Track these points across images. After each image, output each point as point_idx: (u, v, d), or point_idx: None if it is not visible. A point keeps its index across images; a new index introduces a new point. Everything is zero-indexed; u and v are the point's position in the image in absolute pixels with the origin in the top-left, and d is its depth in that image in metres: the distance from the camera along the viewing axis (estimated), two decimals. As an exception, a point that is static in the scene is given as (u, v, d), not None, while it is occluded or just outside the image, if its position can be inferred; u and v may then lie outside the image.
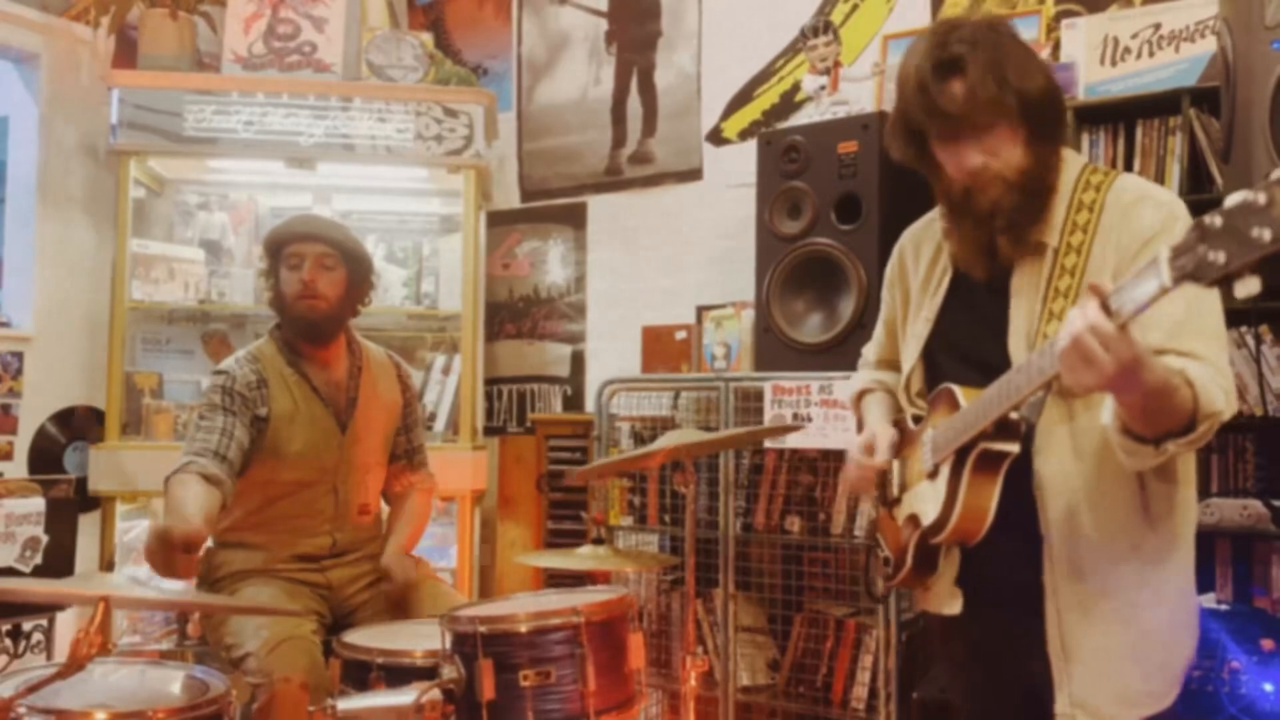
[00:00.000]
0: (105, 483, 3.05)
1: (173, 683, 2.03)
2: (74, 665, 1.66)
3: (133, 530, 3.19)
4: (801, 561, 2.79)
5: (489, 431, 3.69)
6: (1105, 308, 1.24)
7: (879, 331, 1.95)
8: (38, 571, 2.80)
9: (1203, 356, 1.41)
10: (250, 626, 2.22)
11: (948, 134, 1.58)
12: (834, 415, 2.58)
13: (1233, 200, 1.10)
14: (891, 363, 1.89)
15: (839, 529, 2.71)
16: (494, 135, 3.51)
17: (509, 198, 3.81)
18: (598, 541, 2.50)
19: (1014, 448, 1.51)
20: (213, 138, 3.15)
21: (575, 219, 3.70)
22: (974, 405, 1.53)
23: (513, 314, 3.80)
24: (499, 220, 3.80)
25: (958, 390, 1.58)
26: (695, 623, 2.85)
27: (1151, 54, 2.69)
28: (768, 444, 2.70)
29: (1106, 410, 1.43)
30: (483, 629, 1.81)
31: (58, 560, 2.85)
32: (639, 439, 3.03)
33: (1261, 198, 1.07)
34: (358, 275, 2.42)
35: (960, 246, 1.67)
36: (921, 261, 1.80)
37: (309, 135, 3.17)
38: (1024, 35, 2.80)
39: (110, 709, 1.75)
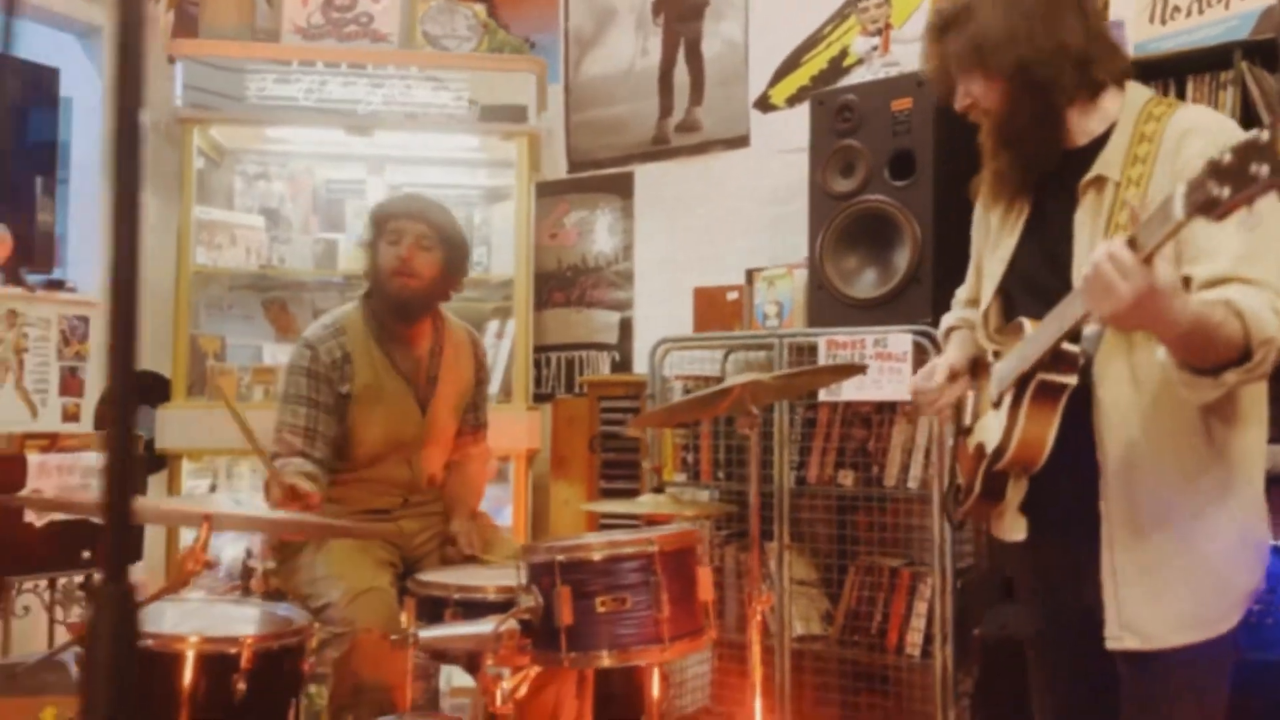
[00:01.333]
0: (172, 442, 3.14)
1: (255, 616, 2.12)
2: (179, 582, 1.74)
3: (199, 489, 3.28)
4: (854, 513, 2.84)
5: (538, 398, 3.76)
6: (1132, 241, 1.30)
7: (969, 271, 1.99)
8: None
9: (1258, 281, 1.44)
10: (330, 577, 2.31)
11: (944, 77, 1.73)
12: (889, 368, 2.63)
13: (1242, 137, 1.15)
14: (977, 301, 1.95)
15: (892, 480, 2.75)
16: (543, 106, 3.57)
17: (556, 169, 3.88)
18: (657, 490, 2.56)
19: (1071, 379, 1.56)
20: (274, 106, 3.23)
21: (622, 188, 3.75)
22: (1033, 336, 1.58)
23: (561, 283, 3.87)
24: (547, 191, 3.86)
25: (1027, 324, 1.63)
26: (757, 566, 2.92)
27: (1201, 11, 2.71)
28: (822, 397, 2.75)
29: (1163, 346, 1.48)
30: (560, 557, 1.88)
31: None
32: (690, 395, 3.09)
33: (1265, 135, 1.13)
34: (454, 260, 2.48)
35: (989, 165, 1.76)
36: (999, 205, 1.85)
37: (367, 103, 3.25)
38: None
39: (202, 634, 1.83)
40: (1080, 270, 1.62)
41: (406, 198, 2.63)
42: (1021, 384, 1.60)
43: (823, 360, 2.73)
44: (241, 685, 1.77)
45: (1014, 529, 1.73)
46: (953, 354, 1.88)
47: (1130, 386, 1.57)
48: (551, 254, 3.88)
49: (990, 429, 1.70)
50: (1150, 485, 1.56)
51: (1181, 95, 2.64)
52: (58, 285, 3.25)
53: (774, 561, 2.80)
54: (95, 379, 3.35)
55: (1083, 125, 1.66)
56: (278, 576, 2.60)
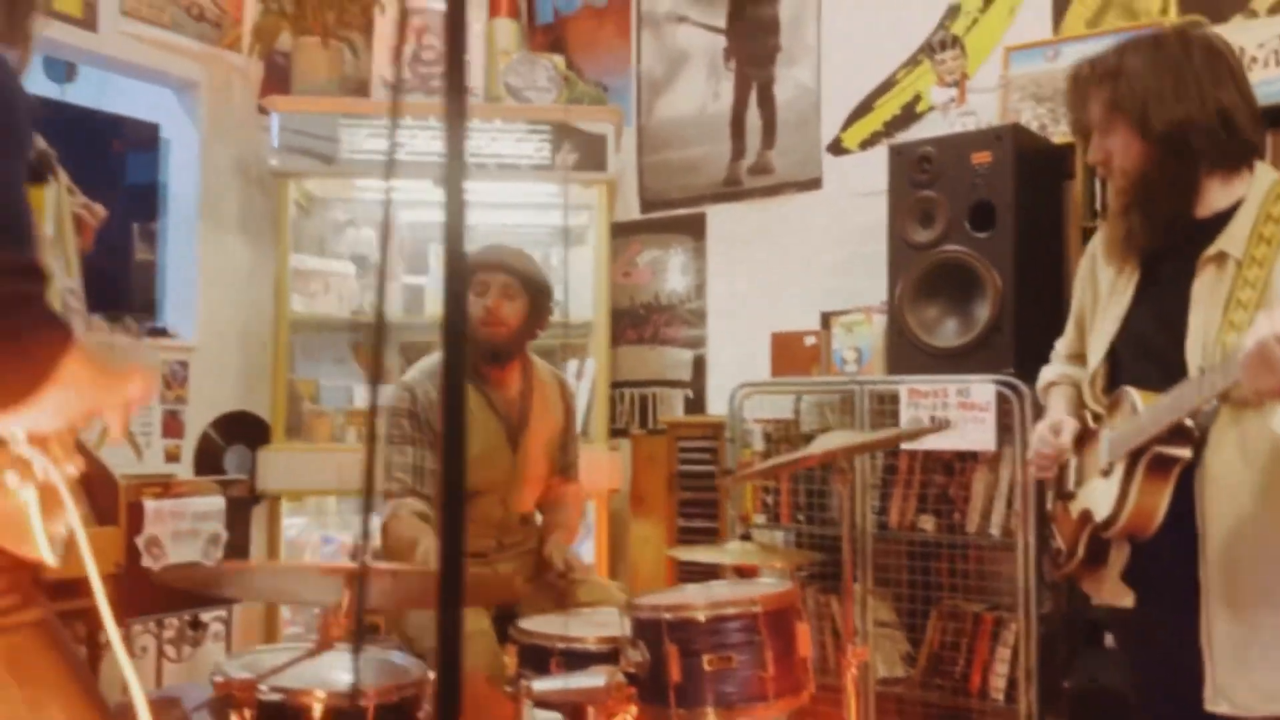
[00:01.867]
0: (272, 483, 3.28)
1: (372, 665, 2.22)
2: (325, 645, 1.85)
3: (294, 528, 3.41)
4: (935, 559, 2.89)
5: (613, 433, 3.85)
6: None
7: (1069, 328, 2.02)
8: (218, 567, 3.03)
9: None
10: (432, 621, 2.42)
11: (1082, 128, 1.77)
12: (973, 418, 2.68)
13: None
14: (1079, 356, 1.97)
15: (974, 526, 2.80)
16: (618, 150, 3.67)
17: (629, 209, 3.97)
18: (744, 537, 2.64)
19: (1187, 453, 1.61)
20: (365, 159, 3.35)
21: (695, 229, 3.84)
22: (1150, 410, 1.63)
23: (634, 320, 3.96)
24: (620, 231, 3.95)
25: (1135, 394, 1.68)
26: (835, 617, 2.97)
27: (1279, 64, 2.74)
28: (904, 445, 2.81)
29: (1277, 417, 1.52)
30: (667, 616, 1.96)
31: (236, 556, 3.07)
32: (769, 439, 3.17)
33: None
34: (538, 304, 2.58)
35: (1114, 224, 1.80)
36: (1112, 264, 1.89)
37: (453, 155, 3.35)
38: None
39: (328, 688, 1.93)
40: (1197, 342, 1.67)
41: (489, 249, 2.73)
42: (1135, 455, 1.65)
43: (904, 407, 2.79)
44: (370, 734, 1.87)
45: (1119, 595, 1.77)
46: (1072, 419, 1.90)
47: (1240, 460, 1.61)
48: (625, 292, 3.98)
49: (1099, 497, 1.75)
50: (1252, 559, 1.60)
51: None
52: (160, 333, 3.40)
53: (856, 606, 2.86)
54: (195, 421, 3.50)
55: (1211, 197, 1.69)
56: (387, 619, 2.72)
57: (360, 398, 3.52)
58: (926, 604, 2.90)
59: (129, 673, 1.16)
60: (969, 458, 2.81)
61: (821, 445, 2.22)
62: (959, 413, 2.70)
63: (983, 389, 2.68)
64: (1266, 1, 2.87)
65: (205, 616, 3.07)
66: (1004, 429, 2.67)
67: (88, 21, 3.26)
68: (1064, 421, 1.86)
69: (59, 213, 1.41)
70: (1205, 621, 1.63)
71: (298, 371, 3.47)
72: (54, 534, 1.13)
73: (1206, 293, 1.67)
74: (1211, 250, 1.66)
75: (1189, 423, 1.59)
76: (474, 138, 3.38)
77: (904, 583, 2.92)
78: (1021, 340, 2.70)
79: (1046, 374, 2.04)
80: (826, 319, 3.30)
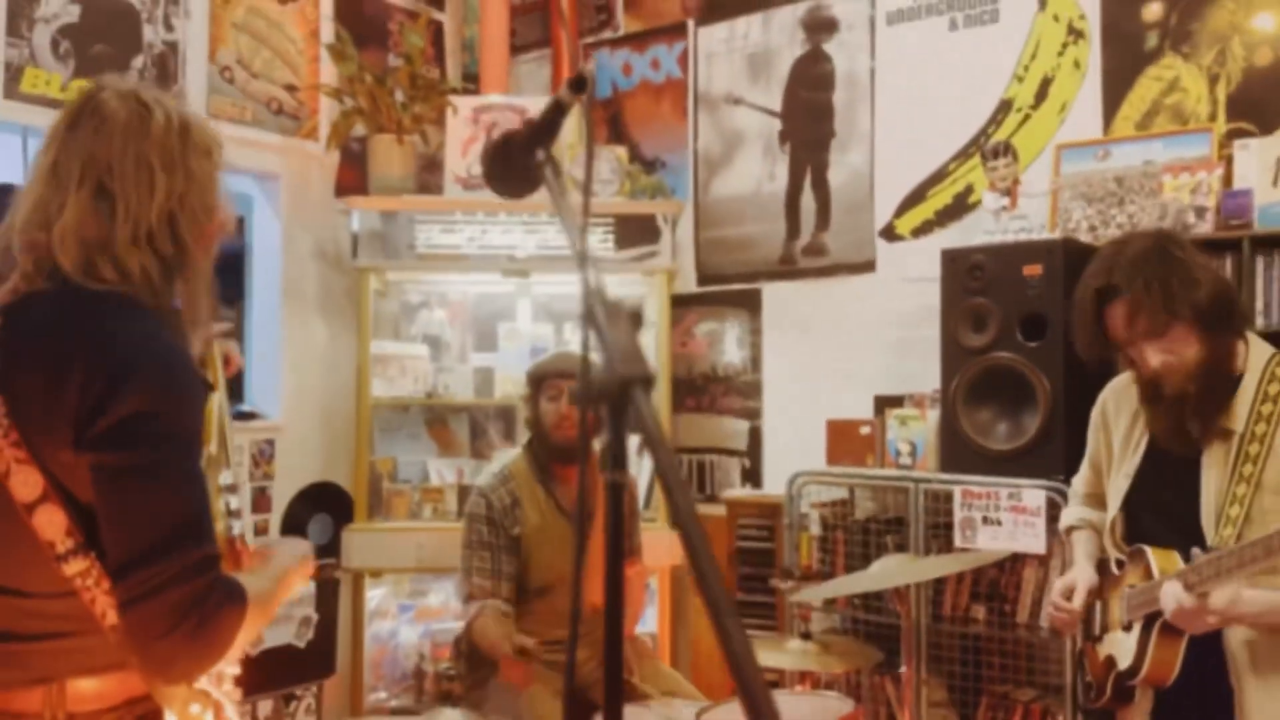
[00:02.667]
0: (356, 560, 3.49)
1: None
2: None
3: (374, 599, 3.63)
4: (986, 648, 3.04)
5: (671, 498, 4.02)
6: (1188, 584, 1.66)
7: (1085, 468, 2.19)
8: (310, 646, 3.25)
9: None
10: (511, 704, 2.65)
11: (1123, 344, 1.87)
12: (1024, 521, 2.82)
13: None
14: (1095, 496, 2.14)
15: (1024, 618, 2.94)
16: (677, 221, 3.83)
17: (686, 281, 4.12)
18: (805, 636, 2.80)
19: None
20: (439, 253, 3.54)
21: (750, 303, 3.98)
22: (1162, 578, 1.79)
23: (691, 389, 4.12)
24: (677, 303, 4.10)
25: (1151, 556, 1.86)
26: (891, 700, 3.13)
27: (1328, 174, 2.83)
28: (958, 543, 2.95)
29: None
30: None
31: (324, 635, 3.29)
32: (825, 525, 3.32)
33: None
34: None
35: (1155, 425, 1.94)
36: (1121, 419, 2.05)
37: (523, 248, 3.54)
38: (1195, 153, 2.98)
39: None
40: (1210, 510, 1.83)
41: (560, 357, 2.95)
42: (1150, 617, 1.82)
43: (958, 507, 2.92)
44: None
45: (1145, 728, 1.94)
46: (1086, 572, 2.06)
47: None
48: (682, 361, 4.14)
49: (1121, 647, 1.92)
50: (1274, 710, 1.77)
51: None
52: (248, 416, 3.62)
53: (909, 689, 3.02)
54: (281, 495, 3.72)
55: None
56: (458, 683, 2.93)
57: (435, 474, 3.72)
58: (978, 690, 3.05)
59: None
60: (1020, 554, 2.94)
61: (881, 579, 2.38)
62: (1009, 515, 2.84)
63: (1034, 494, 2.81)
64: (1314, 111, 2.95)
65: (298, 690, 3.29)
66: (1053, 532, 2.80)
67: (180, 127, 3.46)
68: (1078, 584, 2.02)
69: (220, 422, 1.59)
70: None
71: (376, 450, 3.68)
72: None
73: (1214, 462, 1.84)
74: (1216, 426, 1.83)
75: (1167, 617, 1.77)
76: (542, 231, 3.55)
77: (956, 670, 3.07)
78: (1071, 447, 2.81)
79: (1068, 517, 2.21)
80: (881, 403, 3.44)
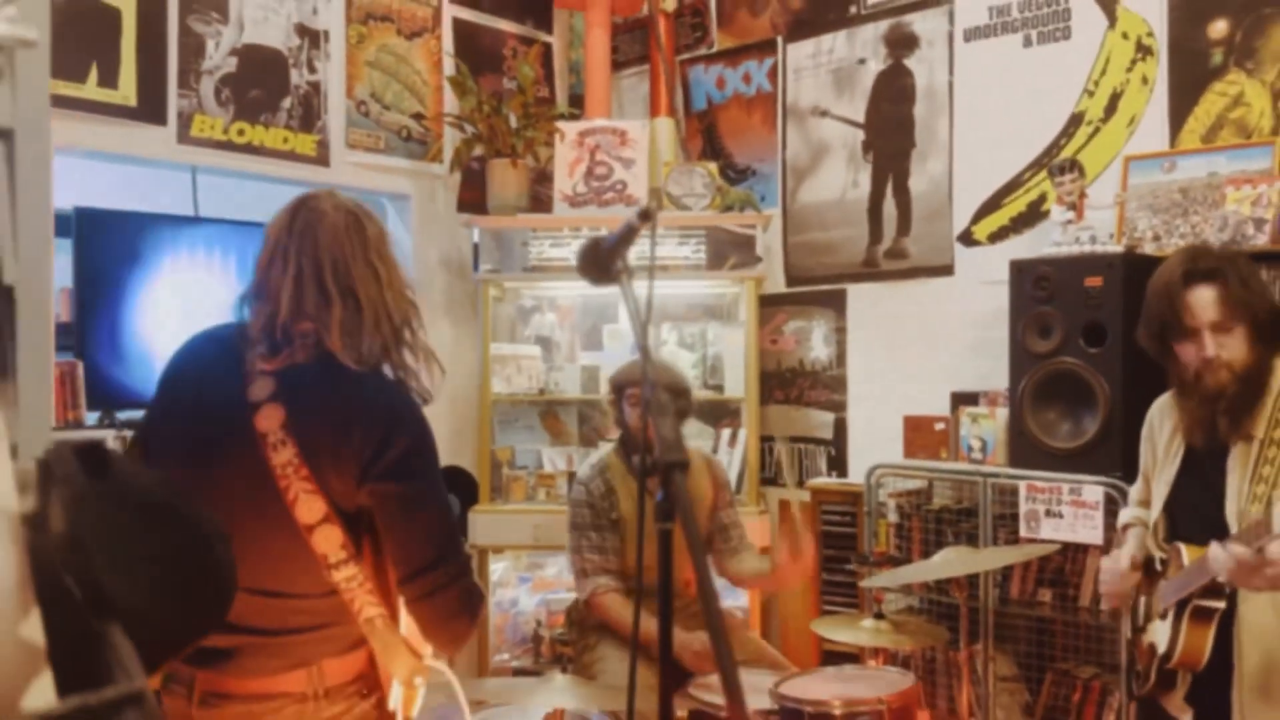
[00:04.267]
0: (481, 538, 3.96)
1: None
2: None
3: (496, 571, 4.10)
4: (1050, 629, 3.30)
5: (764, 482, 4.36)
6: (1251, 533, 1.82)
7: (1140, 479, 2.45)
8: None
9: None
10: (616, 671, 3.05)
11: (1195, 329, 2.09)
12: (1082, 514, 3.07)
13: None
14: (1147, 503, 2.40)
15: (1086, 601, 3.20)
16: (766, 229, 4.15)
17: (776, 282, 4.43)
18: (878, 616, 3.13)
19: (1220, 604, 2.05)
20: (550, 265, 3.94)
21: (836, 303, 4.27)
22: (1191, 567, 2.06)
23: (780, 382, 4.44)
24: (767, 302, 4.42)
25: (1184, 551, 2.12)
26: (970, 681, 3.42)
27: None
28: (1023, 533, 3.22)
29: None
30: (809, 709, 2.49)
31: (455, 602, 3.77)
32: (901, 513, 3.62)
33: None
34: (681, 406, 3.14)
35: (1186, 418, 2.19)
36: (1164, 433, 2.31)
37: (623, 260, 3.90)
38: (1258, 165, 3.15)
39: None
40: (1233, 509, 2.08)
41: (634, 366, 3.30)
42: (1181, 604, 2.09)
43: (1023, 500, 3.19)
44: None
45: (1183, 712, 2.21)
46: (1133, 548, 2.34)
47: (1271, 608, 2.02)
48: (772, 357, 4.46)
49: (1160, 634, 2.19)
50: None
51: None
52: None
53: (980, 663, 3.31)
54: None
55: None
56: (570, 647, 3.35)
57: (548, 461, 4.16)
58: (1042, 667, 3.32)
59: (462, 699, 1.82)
60: (1080, 545, 3.19)
61: (943, 569, 2.69)
62: (1070, 509, 3.09)
63: (1093, 490, 3.06)
64: (1378, 125, 3.07)
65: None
66: (1110, 526, 3.04)
67: (321, 159, 3.94)
68: (1119, 556, 2.31)
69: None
70: None
71: (496, 441, 4.13)
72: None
73: (1238, 465, 2.10)
74: (1239, 431, 2.07)
75: (1222, 579, 2.01)
76: (641, 244, 3.90)
77: (1022, 647, 3.35)
78: (1128, 447, 3.03)
79: (1124, 516, 2.48)
80: (956, 400, 3.70)
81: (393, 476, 1.64)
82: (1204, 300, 2.08)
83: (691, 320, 4.31)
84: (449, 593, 1.65)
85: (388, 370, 1.75)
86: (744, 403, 4.10)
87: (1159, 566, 2.26)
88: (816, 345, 4.35)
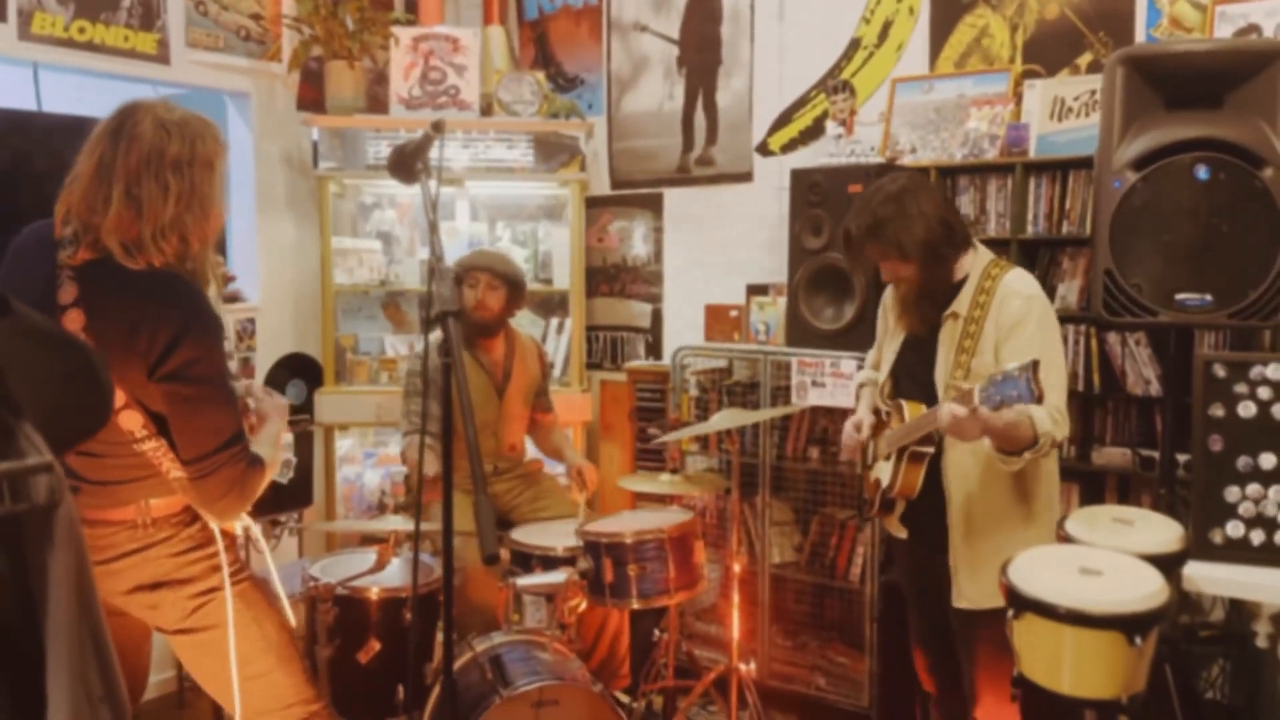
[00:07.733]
0: (326, 416, 4.32)
1: (408, 567, 3.29)
2: (380, 565, 2.92)
3: (342, 448, 4.48)
4: (821, 479, 3.94)
5: (589, 366, 4.86)
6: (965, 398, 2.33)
7: (874, 346, 3.03)
8: (291, 483, 4.11)
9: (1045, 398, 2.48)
10: (436, 507, 3.53)
11: (867, 262, 2.71)
12: (840, 384, 3.68)
13: (1011, 365, 2.18)
14: (878, 365, 2.99)
15: (844, 459, 3.83)
16: (590, 136, 4.54)
17: (601, 185, 4.85)
18: (674, 471, 3.69)
19: (930, 449, 2.64)
20: (386, 164, 4.24)
21: (654, 205, 4.73)
22: (910, 422, 2.64)
23: (605, 277, 4.90)
24: (594, 203, 4.85)
25: (905, 406, 2.70)
26: (748, 519, 4.04)
27: (1087, 114, 3.58)
28: (793, 401, 3.81)
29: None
30: (605, 540, 3.02)
31: (302, 474, 4.15)
32: (702, 388, 4.18)
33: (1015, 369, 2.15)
34: (515, 294, 3.59)
35: (896, 308, 2.77)
36: (891, 312, 2.88)
37: (457, 161, 4.25)
38: (997, 89, 3.72)
39: (382, 585, 3.03)
40: (941, 373, 2.67)
41: (479, 254, 3.73)
42: (901, 450, 2.68)
43: (794, 372, 3.78)
44: (407, 615, 2.98)
45: (899, 531, 2.84)
46: (866, 414, 2.93)
47: (969, 454, 2.63)
48: (598, 254, 4.91)
49: (884, 472, 2.79)
50: (979, 515, 2.64)
51: (1065, 185, 3.54)
52: (233, 299, 4.37)
53: (759, 510, 3.94)
54: (262, 364, 4.51)
55: (955, 271, 2.66)
56: (406, 511, 3.80)
57: (390, 348, 4.53)
58: (812, 509, 3.97)
59: (272, 568, 2.24)
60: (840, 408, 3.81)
61: (717, 422, 3.24)
62: (830, 379, 3.70)
63: (848, 363, 3.66)
64: (1086, 60, 3.69)
65: (282, 517, 4.17)
66: (863, 393, 3.66)
67: (161, 57, 4.09)
68: (863, 421, 2.88)
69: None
70: (952, 553, 2.68)
71: (340, 328, 4.46)
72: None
73: (947, 339, 2.67)
74: (949, 310, 2.64)
75: (943, 430, 2.60)
76: (472, 145, 4.26)
77: (801, 495, 3.99)
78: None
79: (859, 377, 3.06)
80: (751, 291, 4.25)
81: (177, 379, 1.89)
82: (870, 253, 2.66)
83: (524, 219, 4.70)
84: (220, 474, 1.95)
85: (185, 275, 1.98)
86: (571, 294, 4.54)
87: (885, 418, 2.85)
88: (637, 243, 4.82)
